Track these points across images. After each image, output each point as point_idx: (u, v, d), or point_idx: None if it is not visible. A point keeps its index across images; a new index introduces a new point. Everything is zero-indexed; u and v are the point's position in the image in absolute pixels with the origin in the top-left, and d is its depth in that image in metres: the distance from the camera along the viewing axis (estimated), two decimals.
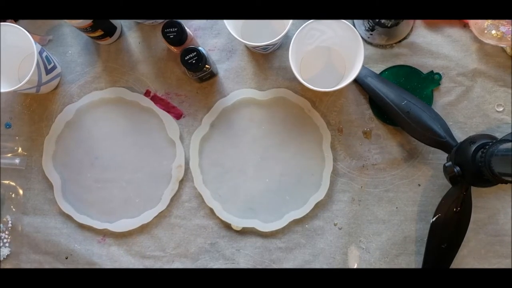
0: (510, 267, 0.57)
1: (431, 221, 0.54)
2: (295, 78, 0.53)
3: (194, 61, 0.54)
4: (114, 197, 0.60)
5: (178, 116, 0.61)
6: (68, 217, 0.60)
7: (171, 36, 0.54)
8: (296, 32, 0.52)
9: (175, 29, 0.54)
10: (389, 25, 0.58)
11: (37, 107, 0.62)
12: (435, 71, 0.58)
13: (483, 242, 0.57)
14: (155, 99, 0.61)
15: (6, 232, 0.61)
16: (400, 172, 0.58)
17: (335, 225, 0.58)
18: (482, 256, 0.57)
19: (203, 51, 0.54)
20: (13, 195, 0.62)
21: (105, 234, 0.60)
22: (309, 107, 0.59)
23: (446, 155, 0.55)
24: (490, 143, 0.49)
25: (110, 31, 0.59)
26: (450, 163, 0.52)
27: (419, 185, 0.58)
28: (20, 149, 0.62)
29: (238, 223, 0.59)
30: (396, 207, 0.58)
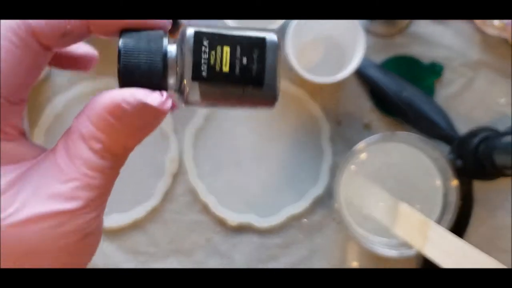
0: (509, 261, 0.57)
1: None
2: (293, 69, 0.52)
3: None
4: None
5: (172, 108, 0.59)
6: None
7: None
8: (295, 22, 0.51)
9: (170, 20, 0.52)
10: None
11: None
12: (437, 62, 0.57)
13: (485, 237, 0.57)
14: None
15: None
16: None
17: (333, 219, 0.58)
18: (482, 251, 0.57)
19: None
20: None
21: None
22: (307, 99, 0.58)
23: (448, 147, 0.54)
24: (493, 136, 0.49)
25: None
26: (451, 155, 0.52)
27: None
28: None
29: (233, 218, 0.58)
30: None
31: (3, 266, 0.19)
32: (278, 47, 0.19)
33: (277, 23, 0.53)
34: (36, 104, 0.60)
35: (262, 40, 0.19)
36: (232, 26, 0.18)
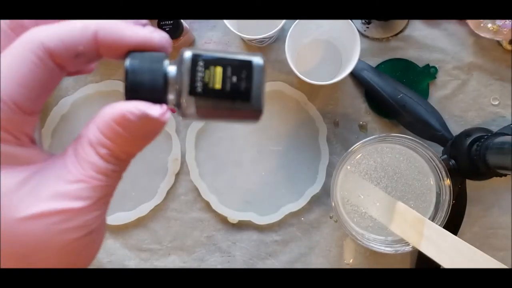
0: (504, 259, 0.57)
1: None
2: (291, 71, 0.52)
3: (168, 29, 0.53)
4: None
5: (174, 109, 0.60)
6: None
7: (167, 29, 0.53)
8: (293, 25, 0.52)
9: (171, 21, 0.53)
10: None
11: None
12: (431, 65, 0.58)
13: (478, 235, 0.58)
14: None
15: None
16: None
17: (330, 217, 0.59)
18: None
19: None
20: None
21: None
22: (305, 100, 0.59)
23: (442, 148, 0.55)
24: (486, 136, 0.49)
25: None
26: (445, 156, 0.52)
27: None
28: None
29: (234, 216, 0.59)
30: None
31: (14, 259, 0.21)
32: (263, 69, 0.22)
33: (277, 23, 0.53)
34: (43, 105, 0.61)
35: (249, 63, 0.22)
36: (227, 51, 0.20)
